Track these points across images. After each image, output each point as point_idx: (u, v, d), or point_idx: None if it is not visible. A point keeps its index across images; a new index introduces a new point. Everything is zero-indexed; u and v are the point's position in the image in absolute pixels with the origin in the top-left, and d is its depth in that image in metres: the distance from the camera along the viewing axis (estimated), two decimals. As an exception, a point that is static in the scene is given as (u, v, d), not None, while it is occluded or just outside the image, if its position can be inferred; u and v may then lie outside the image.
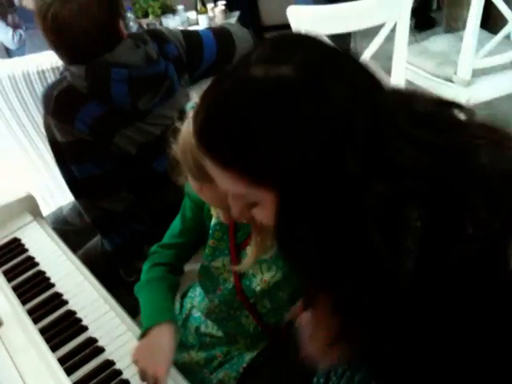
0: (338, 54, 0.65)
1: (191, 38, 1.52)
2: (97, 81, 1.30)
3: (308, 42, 0.65)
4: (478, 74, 2.31)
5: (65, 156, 1.38)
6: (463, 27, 2.26)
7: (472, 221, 0.59)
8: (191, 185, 0.93)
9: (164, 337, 1.01)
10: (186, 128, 0.89)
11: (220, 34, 1.55)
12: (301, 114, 0.58)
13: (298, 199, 0.62)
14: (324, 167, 0.59)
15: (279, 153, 0.59)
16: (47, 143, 1.43)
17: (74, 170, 1.38)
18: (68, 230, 1.62)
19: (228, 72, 0.65)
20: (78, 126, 1.32)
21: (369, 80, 0.64)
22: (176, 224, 1.20)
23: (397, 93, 0.72)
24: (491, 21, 2.73)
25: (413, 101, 0.69)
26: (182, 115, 0.93)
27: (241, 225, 1.06)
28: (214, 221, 1.10)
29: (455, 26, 3.10)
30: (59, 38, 1.25)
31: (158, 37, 1.46)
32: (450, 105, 0.71)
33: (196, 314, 1.25)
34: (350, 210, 0.61)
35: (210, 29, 1.60)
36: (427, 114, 0.68)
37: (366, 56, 2.00)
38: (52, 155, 1.43)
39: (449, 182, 0.61)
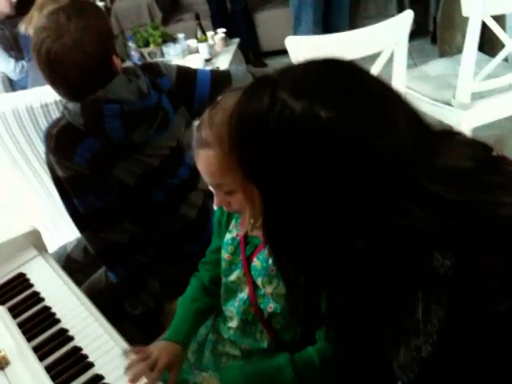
0: (378, 108, 0.68)
1: (185, 74, 1.54)
2: (91, 117, 1.32)
3: (358, 88, 0.69)
4: (476, 97, 2.32)
5: (67, 191, 1.40)
6: (457, 51, 2.27)
7: (486, 301, 0.59)
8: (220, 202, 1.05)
9: (169, 352, 1.14)
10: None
11: (218, 76, 1.56)
12: (322, 152, 0.64)
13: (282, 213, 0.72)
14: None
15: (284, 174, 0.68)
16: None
17: (77, 203, 1.40)
18: (73, 268, 1.62)
19: (268, 85, 0.70)
20: (76, 161, 1.34)
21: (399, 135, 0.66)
22: (212, 241, 1.32)
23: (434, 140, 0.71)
24: (488, 43, 2.75)
25: (442, 151, 0.69)
26: None
27: (249, 239, 1.15)
28: (227, 236, 1.18)
29: (449, 50, 3.10)
30: (53, 72, 1.27)
31: (153, 70, 1.48)
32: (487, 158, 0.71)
33: (212, 337, 1.28)
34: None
35: (211, 70, 1.62)
36: (452, 167, 0.67)
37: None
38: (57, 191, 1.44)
39: (459, 251, 0.61)
